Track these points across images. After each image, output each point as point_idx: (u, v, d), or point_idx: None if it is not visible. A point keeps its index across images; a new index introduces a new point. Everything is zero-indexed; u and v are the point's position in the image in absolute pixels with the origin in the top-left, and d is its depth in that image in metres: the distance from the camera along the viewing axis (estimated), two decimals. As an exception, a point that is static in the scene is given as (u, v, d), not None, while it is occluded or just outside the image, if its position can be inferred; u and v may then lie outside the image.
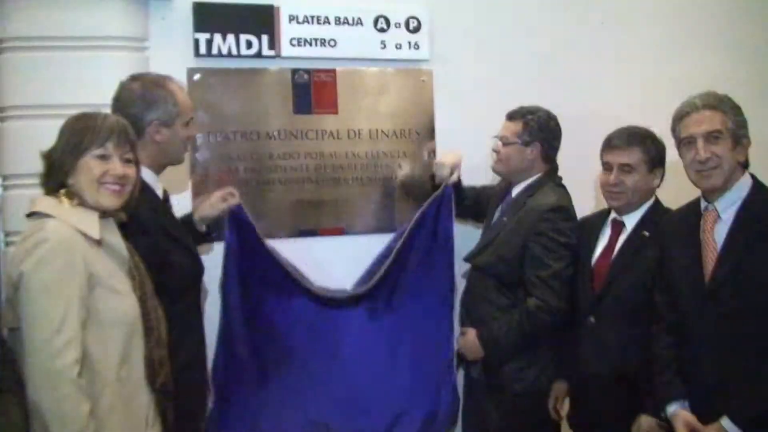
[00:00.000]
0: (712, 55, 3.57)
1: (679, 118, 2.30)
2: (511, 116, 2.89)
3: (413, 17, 3.21)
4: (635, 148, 2.57)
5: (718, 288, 2.16)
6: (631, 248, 2.55)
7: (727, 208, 2.22)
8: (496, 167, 2.94)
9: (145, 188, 2.18)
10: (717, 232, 2.22)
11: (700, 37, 3.59)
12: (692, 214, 2.33)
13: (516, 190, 2.90)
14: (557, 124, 2.88)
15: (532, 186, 2.84)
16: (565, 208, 2.76)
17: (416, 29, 3.22)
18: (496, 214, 2.94)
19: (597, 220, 2.73)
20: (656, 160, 2.59)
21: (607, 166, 2.62)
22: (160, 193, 2.38)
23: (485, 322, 2.80)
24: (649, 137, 2.60)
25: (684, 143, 2.28)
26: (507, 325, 2.72)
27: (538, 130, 2.83)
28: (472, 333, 2.82)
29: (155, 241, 2.22)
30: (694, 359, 2.22)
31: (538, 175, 2.86)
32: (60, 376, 1.78)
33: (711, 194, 2.26)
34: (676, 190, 2.56)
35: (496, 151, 2.91)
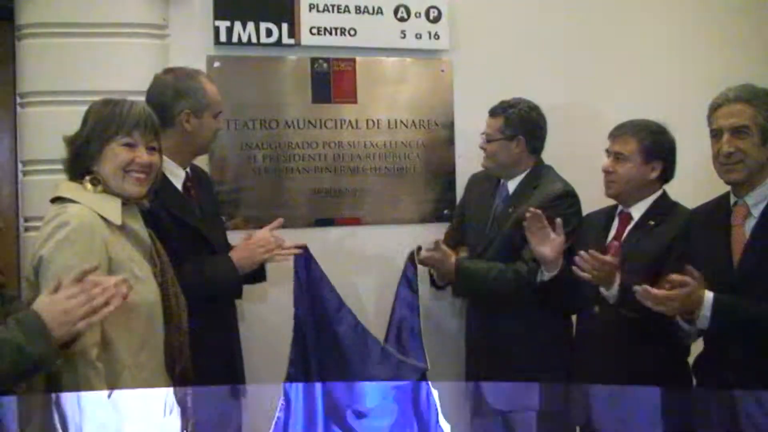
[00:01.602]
0: (741, 54, 3.48)
1: (712, 109, 2.27)
2: (492, 112, 2.86)
3: (433, 7, 3.19)
4: (630, 137, 2.56)
5: (743, 280, 2.14)
6: (636, 237, 2.54)
7: (758, 203, 2.20)
8: (484, 164, 2.92)
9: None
10: (748, 228, 2.20)
11: (727, 31, 3.53)
12: (721, 208, 2.31)
13: (513, 183, 2.86)
14: (539, 114, 2.85)
15: (533, 176, 2.83)
16: (572, 194, 2.78)
17: (436, 19, 3.20)
18: (494, 208, 2.89)
19: (604, 217, 2.70)
20: (653, 151, 2.56)
21: (607, 154, 2.63)
22: (179, 183, 2.39)
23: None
24: (647, 129, 2.57)
25: (713, 135, 2.26)
26: (496, 267, 2.71)
27: (520, 122, 2.80)
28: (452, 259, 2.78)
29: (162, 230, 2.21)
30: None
31: (528, 170, 2.84)
32: (78, 358, 1.78)
33: (738, 189, 2.24)
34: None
35: (483, 148, 2.88)
